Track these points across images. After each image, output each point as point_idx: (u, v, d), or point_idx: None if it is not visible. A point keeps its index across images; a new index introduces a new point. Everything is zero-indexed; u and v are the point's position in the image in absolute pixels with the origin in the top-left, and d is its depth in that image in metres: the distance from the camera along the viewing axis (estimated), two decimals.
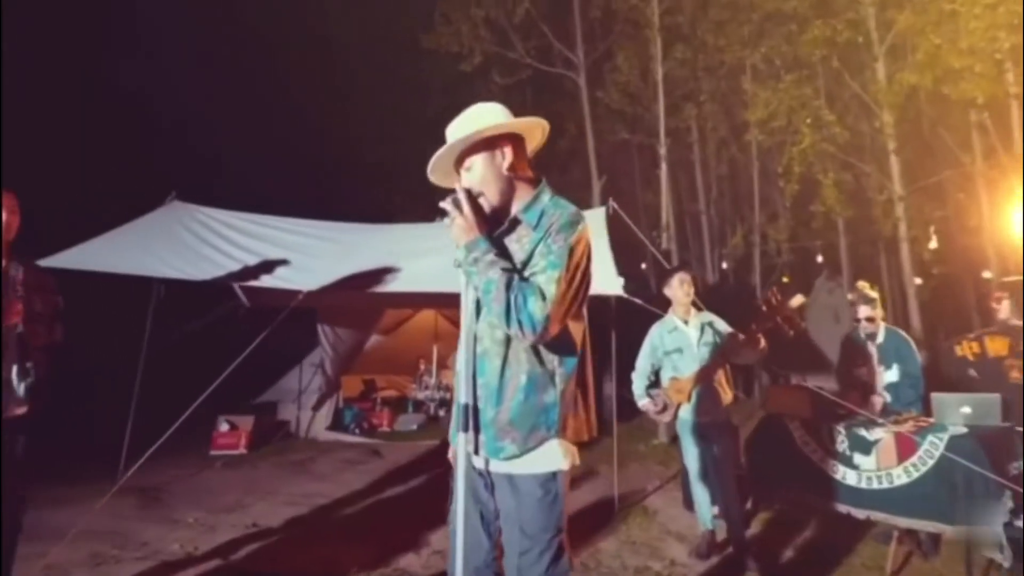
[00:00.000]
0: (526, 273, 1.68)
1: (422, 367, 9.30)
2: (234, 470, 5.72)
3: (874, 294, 4.01)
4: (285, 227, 5.53)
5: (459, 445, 1.70)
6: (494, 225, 1.76)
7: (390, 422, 7.91)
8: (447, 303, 6.18)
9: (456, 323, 8.66)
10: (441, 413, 8.56)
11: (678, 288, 3.73)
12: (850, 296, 4.62)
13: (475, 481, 1.78)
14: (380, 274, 4.81)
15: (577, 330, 1.77)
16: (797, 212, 10.63)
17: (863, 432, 3.54)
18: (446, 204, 1.72)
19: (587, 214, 5.49)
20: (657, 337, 3.79)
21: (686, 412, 3.63)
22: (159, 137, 12.32)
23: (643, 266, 12.06)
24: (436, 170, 1.85)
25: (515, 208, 1.79)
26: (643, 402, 3.79)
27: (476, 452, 1.73)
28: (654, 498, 4.88)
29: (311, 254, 5.06)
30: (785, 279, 13.14)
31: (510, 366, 1.71)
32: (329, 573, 3.43)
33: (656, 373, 3.81)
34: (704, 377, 3.59)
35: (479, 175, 1.78)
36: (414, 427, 7.95)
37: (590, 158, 9.51)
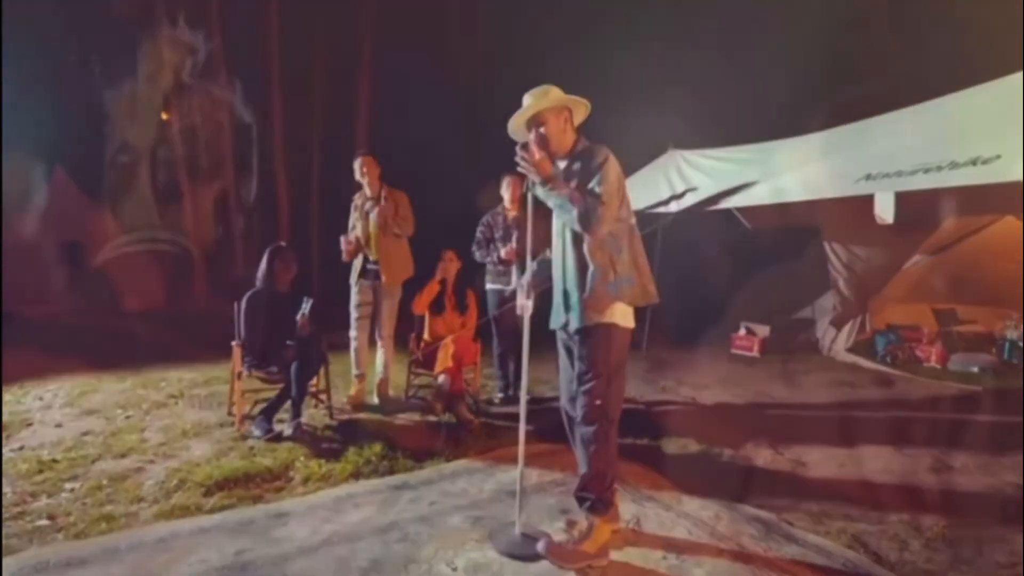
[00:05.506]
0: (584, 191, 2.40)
1: None
2: (730, 364, 6.85)
3: None
4: (753, 152, 6.05)
5: (552, 320, 2.63)
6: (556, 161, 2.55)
7: (941, 358, 6.69)
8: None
9: None
10: None
11: None
12: None
13: (568, 342, 2.61)
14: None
15: (622, 230, 2.47)
16: None
17: None
18: (520, 149, 2.43)
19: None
20: None
21: None
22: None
23: None
24: (515, 126, 2.58)
25: (569, 153, 2.56)
26: None
27: (567, 325, 2.51)
28: None
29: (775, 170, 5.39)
30: None
31: (588, 261, 2.43)
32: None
33: None
34: None
35: (553, 129, 2.51)
36: (974, 369, 6.41)
37: None
